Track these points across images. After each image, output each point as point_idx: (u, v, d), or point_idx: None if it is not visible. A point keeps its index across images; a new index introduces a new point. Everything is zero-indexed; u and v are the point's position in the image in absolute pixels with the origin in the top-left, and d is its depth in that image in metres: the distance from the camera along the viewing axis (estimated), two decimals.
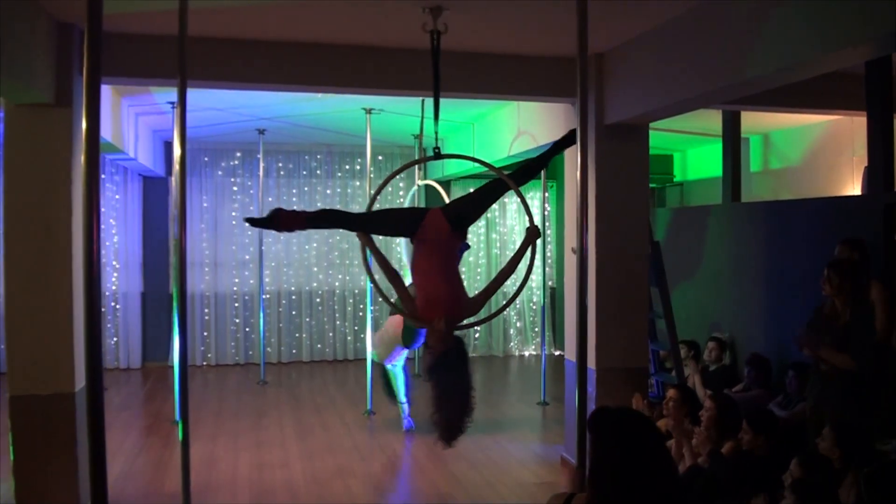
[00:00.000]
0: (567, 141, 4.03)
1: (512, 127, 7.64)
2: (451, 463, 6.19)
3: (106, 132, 6.95)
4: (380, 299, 9.54)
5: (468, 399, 3.56)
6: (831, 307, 4.65)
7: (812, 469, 3.61)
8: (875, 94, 5.86)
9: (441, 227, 3.63)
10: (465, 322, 3.67)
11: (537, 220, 11.37)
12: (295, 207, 10.49)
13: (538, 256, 11.21)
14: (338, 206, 10.60)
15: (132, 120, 7.92)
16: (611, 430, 2.13)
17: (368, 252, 3.82)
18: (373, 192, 9.54)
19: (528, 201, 11.44)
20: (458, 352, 3.59)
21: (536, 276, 11.34)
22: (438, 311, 3.53)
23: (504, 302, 11.02)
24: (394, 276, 3.77)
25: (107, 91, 6.83)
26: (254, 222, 3.72)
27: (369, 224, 3.96)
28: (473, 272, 11.39)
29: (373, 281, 3.95)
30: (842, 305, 4.58)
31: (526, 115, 7.26)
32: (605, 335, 5.53)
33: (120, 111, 7.38)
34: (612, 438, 2.10)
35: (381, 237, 6.95)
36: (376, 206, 4.15)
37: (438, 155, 3.94)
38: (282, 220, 3.62)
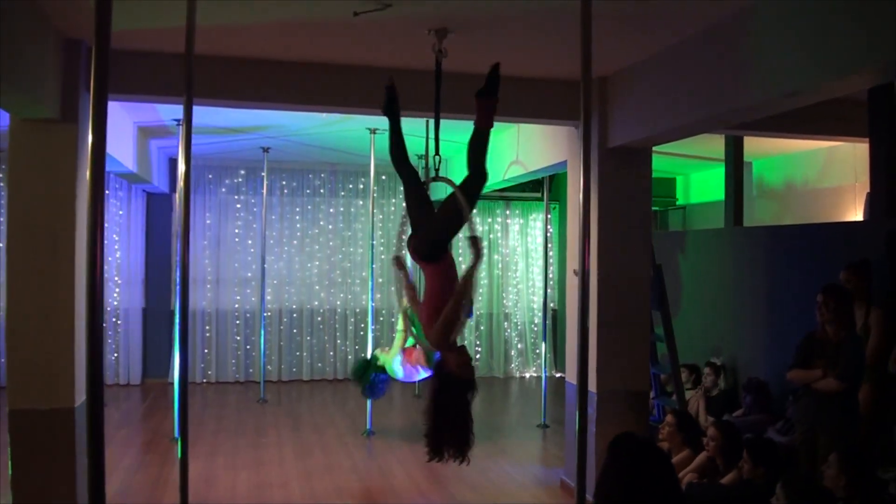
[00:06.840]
0: (492, 81, 3.85)
1: (511, 151, 7.66)
2: (450, 485, 6.15)
3: (129, 162, 6.97)
4: (392, 320, 9.57)
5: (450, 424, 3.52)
6: (822, 332, 4.64)
7: (798, 494, 3.58)
8: (877, 120, 5.88)
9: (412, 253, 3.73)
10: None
11: (539, 242, 11.44)
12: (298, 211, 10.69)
13: (540, 277, 11.34)
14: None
15: (144, 143, 7.97)
16: (630, 458, 2.11)
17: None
18: (376, 210, 9.67)
19: (531, 223, 11.63)
20: (447, 380, 3.59)
21: (538, 298, 11.34)
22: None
23: (505, 323, 11.26)
24: (415, 304, 3.98)
25: (125, 116, 6.87)
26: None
27: (409, 182, 4.06)
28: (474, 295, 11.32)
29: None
30: (833, 330, 4.57)
31: (525, 138, 7.29)
32: (606, 358, 5.50)
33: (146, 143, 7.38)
34: (630, 467, 2.08)
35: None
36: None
37: (436, 178, 4.09)
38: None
